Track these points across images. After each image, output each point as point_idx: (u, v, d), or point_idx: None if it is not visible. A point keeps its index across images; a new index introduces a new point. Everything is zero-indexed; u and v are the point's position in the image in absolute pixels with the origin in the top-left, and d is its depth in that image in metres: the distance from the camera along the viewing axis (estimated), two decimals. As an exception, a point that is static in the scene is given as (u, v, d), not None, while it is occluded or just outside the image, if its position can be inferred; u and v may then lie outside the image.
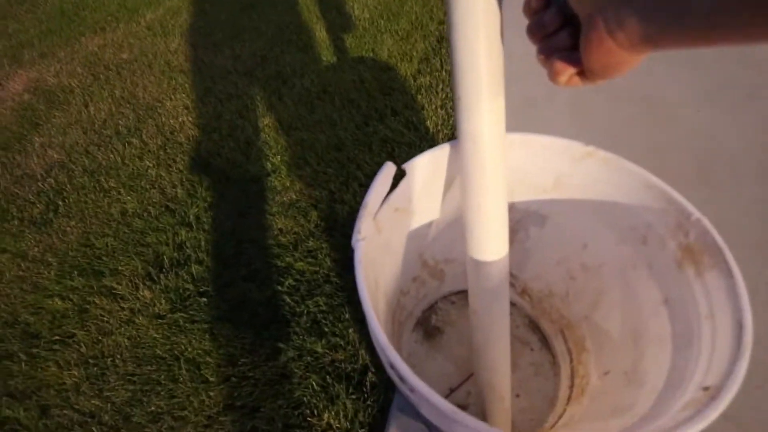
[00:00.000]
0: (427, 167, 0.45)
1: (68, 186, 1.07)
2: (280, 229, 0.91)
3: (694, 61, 1.13)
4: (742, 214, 0.81)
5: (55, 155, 1.17)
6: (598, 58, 0.21)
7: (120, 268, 0.87)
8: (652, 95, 1.06)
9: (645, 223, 0.42)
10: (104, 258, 0.89)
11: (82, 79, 1.45)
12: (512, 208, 0.54)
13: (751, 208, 0.82)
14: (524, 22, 0.28)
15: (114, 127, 1.23)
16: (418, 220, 0.51)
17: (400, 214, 0.47)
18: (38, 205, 1.04)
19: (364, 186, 0.97)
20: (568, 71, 0.24)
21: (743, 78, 1.07)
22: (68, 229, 0.97)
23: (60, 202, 1.03)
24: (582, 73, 0.24)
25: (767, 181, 0.86)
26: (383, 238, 0.44)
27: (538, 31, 0.25)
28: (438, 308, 0.70)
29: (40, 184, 1.09)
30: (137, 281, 0.84)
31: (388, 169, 0.42)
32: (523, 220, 0.56)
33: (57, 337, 0.77)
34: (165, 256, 0.88)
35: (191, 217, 0.95)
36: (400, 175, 0.46)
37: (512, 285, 0.68)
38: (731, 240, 0.78)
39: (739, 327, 0.31)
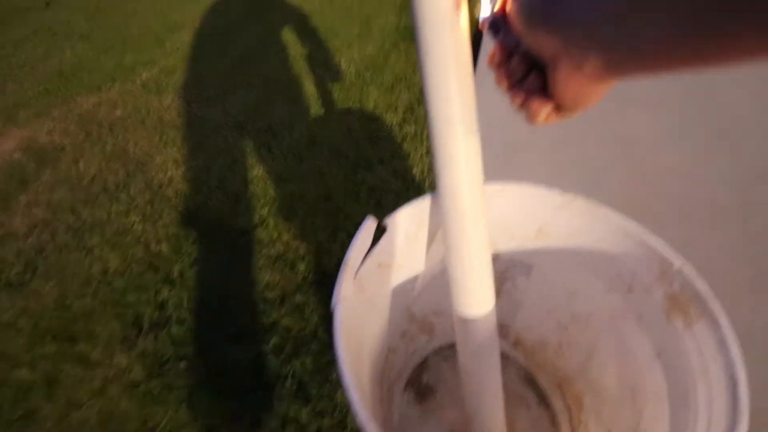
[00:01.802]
0: (409, 220, 0.45)
1: (50, 245, 1.05)
2: (267, 284, 0.89)
3: (666, 101, 1.19)
4: (726, 253, 0.81)
5: (39, 213, 1.16)
6: (569, 94, 0.22)
7: (96, 330, 0.83)
8: (628, 136, 1.10)
9: (630, 271, 0.42)
10: (80, 321, 0.85)
11: (74, 136, 1.47)
12: (497, 258, 0.54)
13: (734, 246, 0.82)
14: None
15: (102, 184, 1.23)
16: (404, 274, 0.50)
17: (383, 270, 0.46)
18: (17, 266, 1.01)
19: (353, 236, 0.97)
20: (544, 111, 0.25)
21: (712, 117, 1.12)
22: (46, 290, 0.94)
23: (40, 263, 1.01)
24: (557, 110, 0.24)
25: (746, 217, 0.87)
26: (366, 296, 0.42)
27: (507, 80, 0.26)
28: (429, 364, 0.67)
29: (21, 243, 1.07)
30: (113, 346, 0.80)
31: (369, 225, 0.41)
32: (509, 270, 0.55)
33: (20, 413, 0.71)
34: (145, 317, 0.84)
35: (175, 273, 0.92)
36: (383, 229, 0.46)
37: (504, 336, 0.65)
38: (718, 281, 0.77)
39: (733, 383, 0.30)
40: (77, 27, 2.51)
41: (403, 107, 1.38)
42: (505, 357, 0.67)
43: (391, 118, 1.33)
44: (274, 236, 0.99)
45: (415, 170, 1.12)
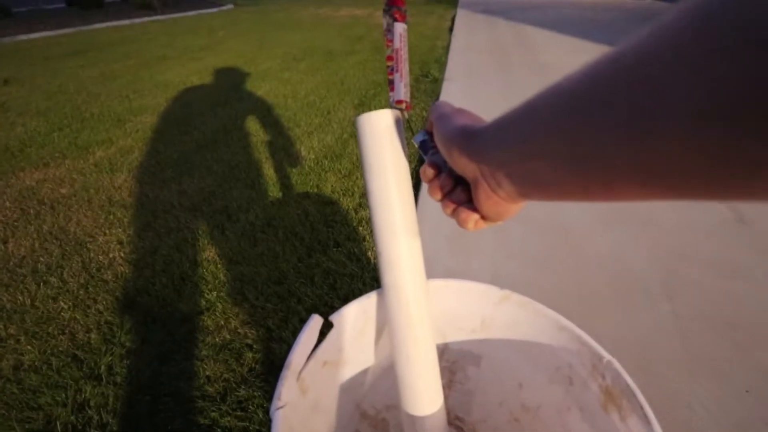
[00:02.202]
0: (356, 316, 0.45)
1: (-45, 336, 0.92)
2: (208, 377, 0.82)
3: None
4: (657, 331, 0.87)
5: (-52, 299, 1.03)
6: (489, 208, 0.26)
7: (-7, 443, 0.70)
8: (564, 224, 1.21)
9: (567, 363, 0.44)
10: (-26, 431, 0.72)
11: (7, 213, 1.38)
12: (447, 348, 0.54)
13: (665, 323, 0.88)
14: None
15: (32, 265, 1.13)
16: (352, 370, 0.49)
17: (329, 368, 0.44)
18: None
19: (304, 321, 0.93)
20: (472, 219, 0.28)
21: (638, 207, 1.27)
22: (-62, 392, 0.80)
23: (-60, 358, 0.87)
24: (483, 218, 0.28)
25: (673, 296, 0.95)
26: (310, 398, 0.41)
27: (438, 192, 0.29)
28: (382, 467, 0.62)
29: None
30: (12, 462, 0.67)
31: (314, 323, 0.41)
32: (459, 361, 0.55)
33: None
34: (58, 422, 0.73)
35: (102, 367, 0.83)
36: (330, 324, 0.46)
37: (461, 429, 0.63)
38: (653, 358, 0.80)
39: (668, 483, 0.30)
40: (34, 105, 2.50)
41: (360, 192, 1.45)
42: (461, 455, 0.64)
43: (348, 203, 1.38)
44: (220, 323, 0.94)
45: (370, 253, 1.14)
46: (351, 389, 0.50)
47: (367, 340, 0.48)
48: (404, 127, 0.39)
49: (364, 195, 1.44)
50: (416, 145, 0.34)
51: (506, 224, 1.14)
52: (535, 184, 0.21)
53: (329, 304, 0.97)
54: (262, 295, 1.01)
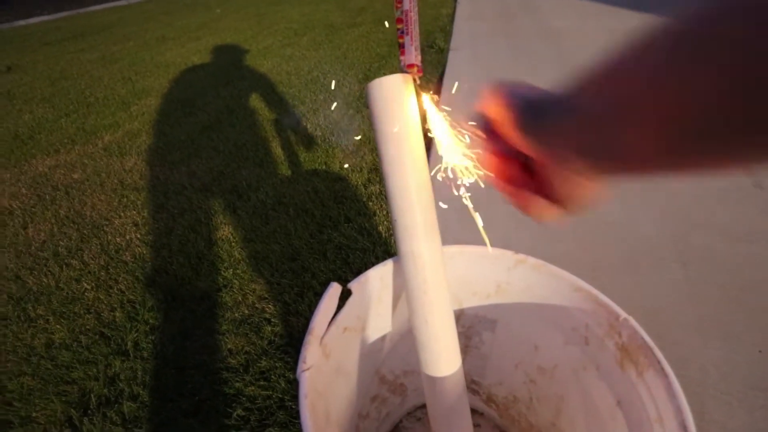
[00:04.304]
0: (374, 284, 0.46)
1: (-13, 317, 0.96)
2: (230, 350, 0.85)
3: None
4: (669, 296, 0.87)
5: (-23, 283, 1.07)
6: (570, 191, 0.23)
7: (34, 414, 0.74)
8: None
9: (583, 324, 0.44)
10: (16, 403, 0.76)
11: (24, 200, 1.41)
12: (462, 314, 0.55)
13: (676, 288, 0.89)
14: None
15: (53, 249, 1.16)
16: (371, 336, 0.51)
17: (350, 334, 0.46)
18: (-55, 343, 0.91)
19: (320, 295, 0.96)
20: (545, 209, 0.26)
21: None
22: (-23, 369, 0.84)
23: (-28, 340, 0.91)
24: (558, 207, 0.25)
25: (686, 262, 0.95)
26: (333, 362, 0.42)
27: (508, 184, 0.27)
28: (403, 428, 0.65)
29: (-48, 317, 0.97)
30: (53, 430, 0.71)
31: (333, 290, 0.42)
32: (474, 326, 0.56)
33: None
34: (92, 394, 0.77)
35: (129, 344, 0.86)
36: (348, 292, 0.47)
37: (476, 392, 0.65)
38: (665, 323, 0.81)
39: (683, 430, 0.31)
40: (39, 91, 2.51)
41: (368, 168, 1.44)
42: (479, 414, 0.66)
43: (357, 178, 1.38)
44: (238, 299, 0.96)
45: (381, 228, 1.15)
46: (370, 354, 0.52)
47: (384, 307, 0.49)
48: (415, 92, 0.38)
49: (372, 170, 1.43)
50: (468, 134, 0.32)
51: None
52: (619, 161, 0.18)
53: (343, 278, 0.99)
54: (277, 272, 1.03)
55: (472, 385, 0.65)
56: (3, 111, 2.22)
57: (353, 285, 0.44)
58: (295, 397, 0.76)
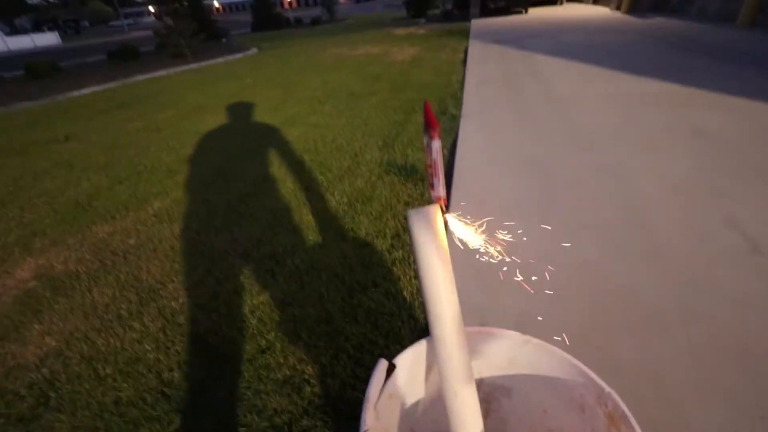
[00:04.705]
0: (411, 359, 0.59)
1: (63, 376, 1.10)
2: (275, 410, 0.96)
3: (607, 225, 1.44)
4: (672, 359, 0.96)
5: (53, 342, 1.22)
6: None
7: (111, 466, 0.86)
8: (582, 256, 1.31)
9: (579, 394, 0.56)
10: (95, 456, 0.88)
11: (89, 265, 1.60)
12: (482, 382, 0.67)
13: (679, 351, 0.97)
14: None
15: (116, 311, 1.32)
16: (408, 401, 0.62)
17: (393, 400, 0.58)
18: (28, 399, 1.05)
19: (353, 358, 1.07)
20: None
21: (651, 236, 1.36)
22: (57, 425, 0.97)
23: (52, 394, 1.05)
24: None
25: (687, 325, 1.04)
26: (383, 423, 0.54)
27: None
28: (432, 484, 0.74)
29: (33, 375, 1.12)
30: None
31: (382, 366, 0.55)
32: (493, 393, 0.67)
33: None
34: (159, 449, 0.88)
35: (186, 402, 0.99)
36: (393, 366, 0.59)
37: (497, 452, 0.74)
38: (668, 386, 0.89)
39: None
40: (94, 159, 2.81)
41: (391, 234, 1.60)
42: (498, 474, 0.75)
43: (381, 244, 1.53)
44: (280, 361, 1.08)
45: (405, 293, 1.28)
46: (407, 417, 0.63)
47: (419, 377, 0.61)
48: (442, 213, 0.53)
49: (395, 236, 1.59)
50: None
51: (528, 264, 1.26)
52: None
53: (374, 342, 1.10)
54: (314, 334, 1.16)
55: (492, 445, 0.74)
56: (65, 180, 2.50)
57: (397, 361, 0.57)
58: (335, 454, 0.85)
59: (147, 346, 1.17)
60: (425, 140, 0.59)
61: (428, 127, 0.58)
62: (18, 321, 1.34)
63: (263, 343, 1.15)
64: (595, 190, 1.67)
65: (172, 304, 1.32)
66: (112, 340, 1.20)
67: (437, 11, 15.14)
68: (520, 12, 10.04)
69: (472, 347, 0.60)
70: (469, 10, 10.58)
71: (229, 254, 1.56)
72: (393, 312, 1.20)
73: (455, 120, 2.79)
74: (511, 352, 0.61)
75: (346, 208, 1.83)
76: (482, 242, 0.56)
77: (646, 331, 1.03)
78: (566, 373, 0.56)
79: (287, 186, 2.10)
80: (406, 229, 1.70)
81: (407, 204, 1.81)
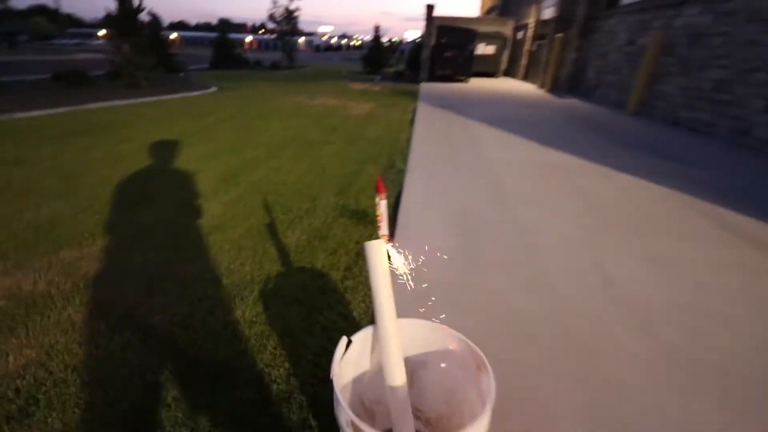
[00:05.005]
0: (363, 338, 0.90)
1: (49, 381, 1.24)
2: (250, 400, 1.19)
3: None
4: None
5: (33, 354, 1.35)
6: None
7: (109, 445, 1.03)
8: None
9: (463, 357, 0.90)
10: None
11: (60, 286, 1.72)
12: (409, 359, 0.99)
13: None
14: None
15: (92, 330, 1.47)
16: (359, 370, 0.93)
17: (348, 365, 0.88)
18: (17, 401, 1.17)
19: (311, 362, 1.33)
20: None
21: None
22: (49, 420, 1.12)
23: (41, 396, 1.19)
24: None
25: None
26: (342, 377, 0.84)
27: None
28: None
29: (18, 381, 1.24)
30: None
31: (344, 341, 0.86)
32: (414, 368, 0.99)
33: None
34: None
35: (169, 399, 1.18)
36: (350, 342, 0.90)
37: (419, 417, 1.05)
38: None
39: (486, 396, 0.76)
40: (53, 187, 2.87)
41: (344, 267, 1.91)
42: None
43: (335, 275, 1.84)
44: (251, 364, 1.32)
45: (355, 313, 1.58)
46: (357, 383, 0.93)
47: (367, 352, 0.93)
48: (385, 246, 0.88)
49: (347, 269, 1.90)
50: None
51: (449, 286, 1.62)
52: None
53: (329, 350, 1.38)
54: (278, 346, 1.41)
55: (417, 412, 1.05)
56: (21, 204, 2.53)
57: (353, 338, 0.88)
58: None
59: (130, 354, 1.34)
60: (376, 199, 0.95)
61: (378, 191, 0.95)
62: (-8, 336, 1.43)
63: (237, 350, 1.37)
64: (507, 236, 2.13)
65: (149, 321, 1.51)
66: (95, 351, 1.36)
67: (392, 70, 16.50)
68: (463, 80, 11.36)
69: (401, 331, 0.93)
70: (419, 73, 11.78)
71: (199, 280, 1.77)
72: (344, 328, 1.49)
73: (402, 173, 3.25)
74: (426, 334, 0.95)
75: (305, 244, 2.12)
76: (407, 269, 0.90)
77: (523, 336, 1.41)
78: (457, 345, 0.91)
79: (251, 222, 2.36)
80: (362, 256, 2.03)
81: (357, 243, 2.14)
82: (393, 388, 0.87)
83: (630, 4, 7.00)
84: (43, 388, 1.22)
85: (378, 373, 0.96)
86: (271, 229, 2.28)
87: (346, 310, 1.60)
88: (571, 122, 5.55)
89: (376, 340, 0.92)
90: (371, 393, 0.98)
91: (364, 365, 0.94)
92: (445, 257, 1.90)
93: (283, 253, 2.03)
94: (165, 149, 3.91)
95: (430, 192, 2.78)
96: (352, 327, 1.50)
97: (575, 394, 1.18)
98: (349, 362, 0.89)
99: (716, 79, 4.73)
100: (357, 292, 1.71)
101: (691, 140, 4.55)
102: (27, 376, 1.26)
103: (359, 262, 1.96)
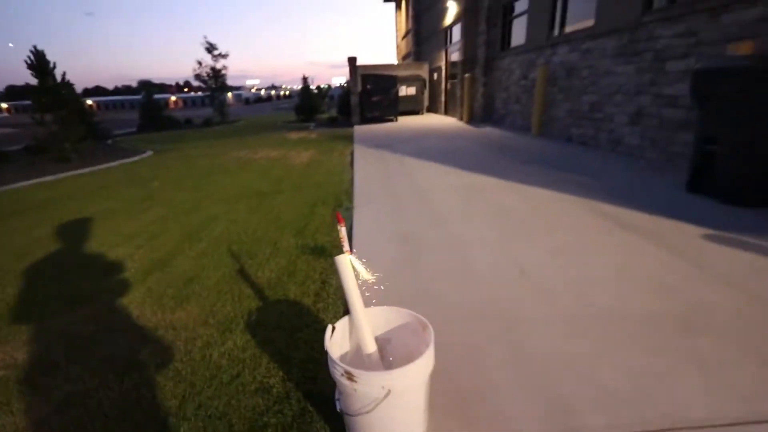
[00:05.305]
0: (342, 325, 1.28)
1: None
2: (253, 406, 1.48)
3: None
4: None
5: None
6: None
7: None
8: (436, 292, 2.15)
9: (413, 327, 1.31)
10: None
11: (50, 353, 1.87)
12: (378, 338, 1.38)
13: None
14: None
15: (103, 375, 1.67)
16: (342, 350, 1.30)
17: (336, 345, 1.25)
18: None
19: (301, 368, 1.65)
20: None
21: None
22: None
23: None
24: None
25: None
26: (332, 353, 1.20)
27: None
28: (359, 407, 1.37)
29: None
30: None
31: (330, 328, 1.23)
32: (382, 344, 1.38)
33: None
34: (181, 438, 1.33)
35: (176, 407, 1.44)
36: (334, 328, 1.27)
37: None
38: None
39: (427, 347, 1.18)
40: (7, 266, 2.90)
41: (313, 293, 2.26)
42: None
43: (307, 301, 2.18)
44: (250, 379, 1.61)
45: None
46: (342, 361, 1.30)
47: (346, 336, 1.30)
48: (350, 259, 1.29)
49: (316, 295, 2.25)
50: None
51: (395, 287, 2.04)
52: None
53: (313, 359, 1.71)
54: (270, 361, 1.71)
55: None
56: (-16, 289, 2.58)
57: (336, 325, 1.26)
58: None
59: (147, 392, 1.57)
60: (338, 227, 1.36)
61: (338, 222, 1.36)
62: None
63: (235, 372, 1.66)
64: (441, 247, 2.62)
65: (154, 363, 1.74)
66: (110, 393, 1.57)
67: (325, 116, 17.30)
68: (392, 120, 12.35)
69: (369, 316, 1.32)
70: (351, 117, 12.61)
71: (189, 324, 2.02)
72: (320, 340, 1.83)
73: (350, 210, 3.68)
74: (386, 315, 1.35)
75: (275, 281, 2.44)
76: (366, 272, 1.32)
77: (458, 316, 1.85)
78: (408, 318, 1.32)
79: (222, 271, 2.63)
80: (330, 278, 2.38)
81: (321, 273, 2.50)
82: (368, 355, 1.25)
83: (518, 46, 8.35)
84: (72, 430, 1.42)
85: (357, 351, 1.34)
86: (242, 273, 2.57)
87: (322, 326, 1.94)
88: (486, 148, 6.42)
89: (352, 325, 1.30)
90: (349, 364, 1.35)
91: (346, 347, 1.31)
92: (394, 266, 2.32)
93: (258, 290, 2.33)
94: (116, 218, 4.02)
95: (377, 221, 3.24)
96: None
97: (499, 346, 1.62)
98: (336, 343, 1.26)
99: (590, 102, 5.85)
100: (328, 312, 2.06)
101: (581, 152, 5.54)
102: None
103: (326, 288, 2.31)
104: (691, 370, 1.42)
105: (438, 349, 1.18)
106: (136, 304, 2.27)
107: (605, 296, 1.94)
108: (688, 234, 2.58)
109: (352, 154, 6.74)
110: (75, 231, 3.67)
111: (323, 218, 3.57)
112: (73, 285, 2.57)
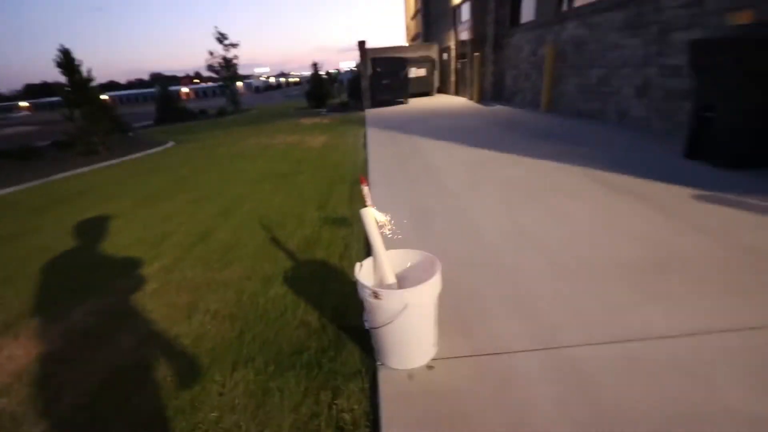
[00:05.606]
0: (368, 263, 1.60)
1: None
2: (301, 347, 1.82)
3: (458, 235, 2.64)
4: None
5: (136, 341, 1.90)
6: None
7: None
8: (445, 249, 2.46)
9: (424, 266, 1.61)
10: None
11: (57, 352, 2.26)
12: (398, 276, 1.69)
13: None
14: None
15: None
16: (368, 277, 1.62)
17: (363, 271, 1.57)
18: (142, 363, 1.74)
19: (333, 309, 1.98)
20: None
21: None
22: (171, 367, 1.69)
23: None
24: None
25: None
26: (362, 279, 1.52)
27: None
28: (382, 331, 1.70)
29: (135, 355, 1.80)
30: None
31: (358, 265, 1.54)
32: (400, 278, 1.69)
33: None
34: (243, 357, 1.69)
35: (199, 391, 1.80)
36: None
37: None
38: None
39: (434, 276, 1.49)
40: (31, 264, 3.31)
41: (338, 255, 2.58)
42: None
43: (334, 260, 2.51)
44: (293, 317, 1.95)
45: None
46: (367, 281, 1.63)
47: (370, 271, 1.62)
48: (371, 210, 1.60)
49: (341, 256, 2.57)
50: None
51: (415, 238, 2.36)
52: None
53: (343, 303, 2.04)
54: (309, 305, 2.05)
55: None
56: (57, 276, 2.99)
57: (362, 263, 1.57)
58: (335, 342, 1.75)
59: (211, 327, 1.93)
60: (362, 187, 1.66)
61: (361, 183, 1.66)
62: None
63: (279, 312, 2.00)
64: (450, 216, 2.91)
65: (213, 306, 2.10)
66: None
67: (336, 101, 17.49)
68: (403, 102, 12.50)
69: (389, 257, 1.64)
70: (362, 101, 12.79)
71: (235, 280, 2.38)
72: (349, 288, 2.16)
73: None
74: (403, 258, 1.66)
75: (304, 246, 2.78)
76: (386, 220, 1.64)
77: (464, 266, 2.15)
78: (420, 257, 1.63)
79: (257, 240, 2.98)
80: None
81: (343, 238, 2.83)
82: (389, 285, 1.57)
83: (527, 23, 8.38)
84: (157, 355, 1.79)
85: (379, 285, 1.65)
86: (274, 241, 2.92)
87: (348, 278, 2.28)
88: (496, 125, 6.60)
89: (375, 263, 1.62)
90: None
91: (370, 282, 1.63)
92: (406, 232, 2.63)
93: (289, 254, 2.68)
94: (155, 202, 4.42)
95: (391, 197, 3.53)
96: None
97: (498, 287, 1.93)
98: (362, 276, 1.58)
99: (599, 76, 5.95)
100: (352, 267, 2.38)
101: (588, 126, 5.69)
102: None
103: (348, 251, 2.64)
104: (659, 300, 1.70)
105: (446, 288, 1.48)
106: (189, 267, 2.64)
107: (593, 248, 2.21)
108: (678, 194, 2.81)
109: (365, 136, 7.00)
110: (120, 213, 4.08)
111: (341, 194, 3.89)
112: (137, 252, 2.96)
